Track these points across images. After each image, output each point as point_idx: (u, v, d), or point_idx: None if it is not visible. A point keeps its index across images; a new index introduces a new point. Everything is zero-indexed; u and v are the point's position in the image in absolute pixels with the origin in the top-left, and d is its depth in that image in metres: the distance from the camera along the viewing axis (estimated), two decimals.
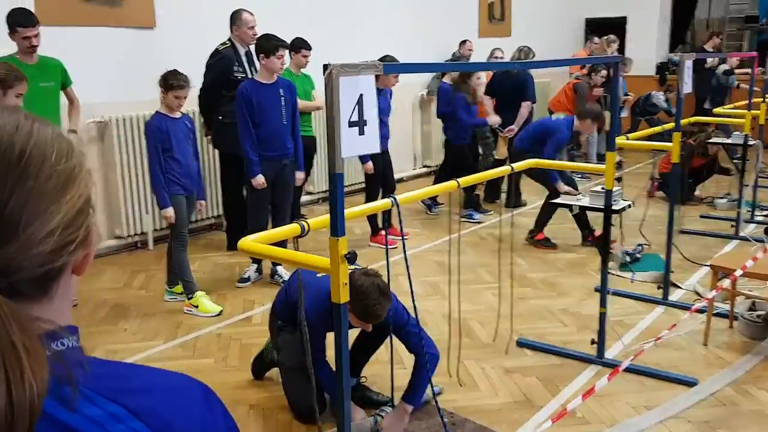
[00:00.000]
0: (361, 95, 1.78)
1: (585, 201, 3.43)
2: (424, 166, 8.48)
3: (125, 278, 4.94)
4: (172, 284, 4.45)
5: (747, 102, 6.25)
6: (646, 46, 11.10)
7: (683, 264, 4.95)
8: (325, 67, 1.71)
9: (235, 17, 5.24)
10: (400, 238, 2.80)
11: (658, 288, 4.33)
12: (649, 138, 5.04)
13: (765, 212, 6.29)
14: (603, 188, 3.31)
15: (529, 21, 10.31)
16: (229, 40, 5.24)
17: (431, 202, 6.62)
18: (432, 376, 2.87)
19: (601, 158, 8.78)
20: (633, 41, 11.16)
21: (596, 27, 11.62)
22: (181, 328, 4.03)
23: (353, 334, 3.21)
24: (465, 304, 4.29)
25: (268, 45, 4.39)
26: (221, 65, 5.15)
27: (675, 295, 4.38)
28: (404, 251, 2.65)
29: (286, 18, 6.29)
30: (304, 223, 2.18)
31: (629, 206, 3.37)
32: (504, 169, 3.27)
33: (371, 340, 3.10)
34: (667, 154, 6.72)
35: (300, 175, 4.72)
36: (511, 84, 6.49)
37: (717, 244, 5.49)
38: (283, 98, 4.51)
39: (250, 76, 5.29)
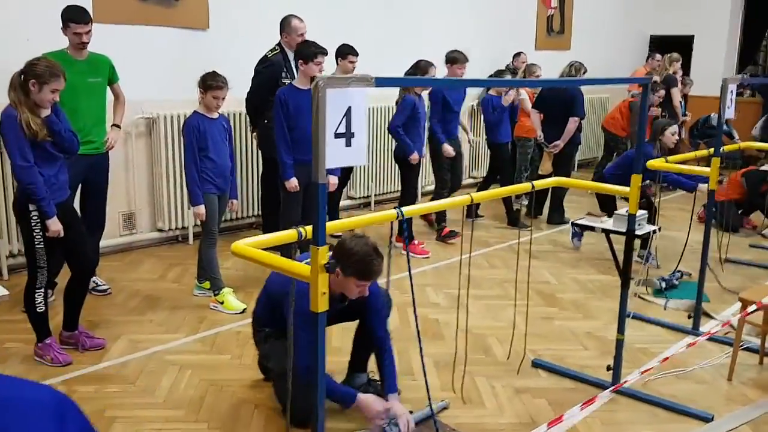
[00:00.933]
0: (350, 108, 1.80)
1: (608, 224, 3.35)
2: (470, 177, 8.43)
3: (161, 270, 5.10)
4: (202, 279, 4.57)
5: None
6: (712, 66, 10.74)
7: (722, 294, 4.77)
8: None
9: (285, 23, 5.33)
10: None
11: (689, 317, 4.18)
12: (698, 161, 4.90)
13: None
14: (627, 211, 3.23)
15: (590, 35, 10.13)
16: (279, 45, 5.34)
17: (473, 212, 6.53)
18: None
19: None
20: (699, 60, 10.83)
21: (661, 44, 11.33)
22: (204, 323, 4.13)
23: (349, 331, 3.24)
24: (486, 320, 4.27)
25: (307, 51, 4.47)
26: (269, 72, 5.23)
27: (706, 326, 4.22)
28: (408, 263, 2.63)
29: (336, 24, 6.38)
30: (302, 229, 2.21)
31: (655, 232, 3.28)
32: (524, 186, 3.23)
33: (368, 333, 3.10)
34: (730, 179, 6.51)
35: (333, 180, 4.77)
36: (560, 99, 6.39)
37: (762, 275, 5.26)
38: None
39: None
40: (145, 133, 5.57)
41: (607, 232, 3.34)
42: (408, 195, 5.71)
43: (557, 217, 6.72)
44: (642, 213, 3.22)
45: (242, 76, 5.65)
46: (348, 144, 1.81)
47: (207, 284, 4.51)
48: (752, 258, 5.72)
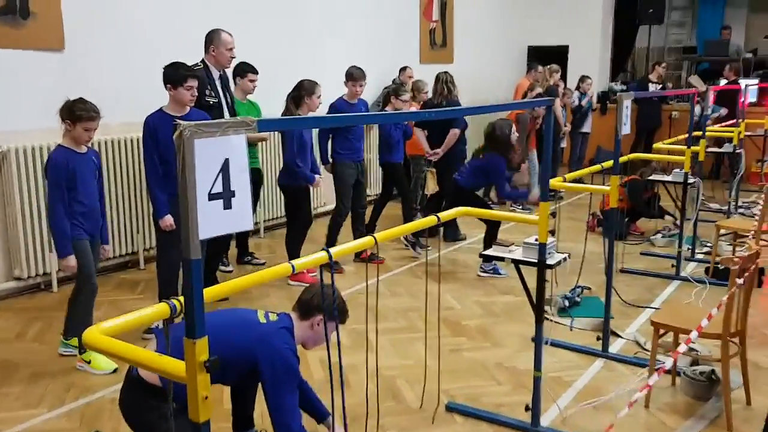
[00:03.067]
0: (227, 160, 1.43)
1: (517, 253, 3.14)
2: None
3: (19, 327, 4.44)
4: (70, 336, 3.99)
5: (686, 137, 6.16)
6: (587, 74, 11.08)
7: (623, 308, 4.74)
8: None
9: (213, 37, 4.84)
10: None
11: (598, 339, 4.07)
12: (591, 174, 4.85)
13: (705, 250, 6.16)
14: (536, 240, 3.03)
15: (471, 47, 10.17)
16: (202, 62, 4.83)
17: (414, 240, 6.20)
18: None
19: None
20: (574, 69, 11.13)
21: (539, 55, 11.59)
22: (71, 391, 3.56)
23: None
24: (394, 358, 3.97)
25: (175, 74, 4.00)
26: None
27: (615, 346, 4.13)
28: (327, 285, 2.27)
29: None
30: (175, 302, 1.80)
31: (565, 259, 3.10)
32: (429, 219, 2.96)
33: (249, 384, 2.81)
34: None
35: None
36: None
37: (658, 285, 5.30)
38: None
39: (224, 101, 4.92)
40: None
41: (516, 263, 3.11)
42: (299, 224, 5.33)
43: (452, 233, 6.57)
44: (552, 240, 3.03)
45: (108, 100, 5.08)
46: (227, 206, 1.43)
47: (75, 341, 3.93)
48: (646, 267, 5.77)
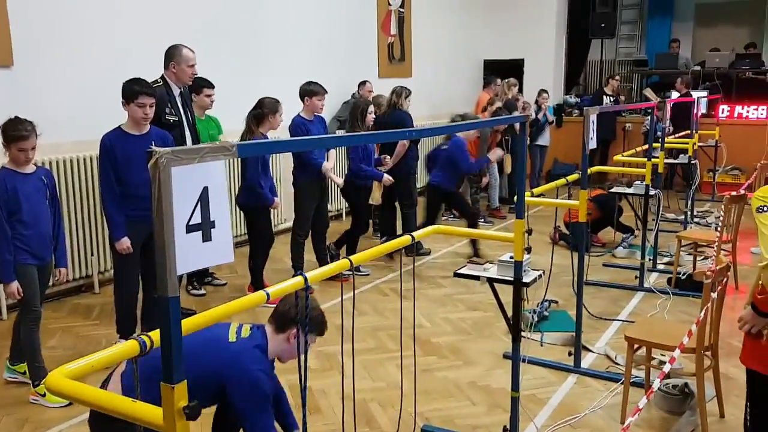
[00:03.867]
0: (206, 188, 1.32)
1: (492, 271, 3.09)
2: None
3: None
4: (15, 362, 3.79)
5: (645, 149, 6.25)
6: (543, 87, 11.23)
7: (591, 321, 4.73)
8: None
9: (174, 53, 4.64)
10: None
11: (570, 354, 4.05)
12: (557, 188, 4.85)
13: (666, 260, 6.24)
14: (512, 257, 2.98)
15: (428, 62, 10.19)
16: (162, 78, 4.63)
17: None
18: None
19: (503, 201, 8.68)
20: (530, 82, 11.26)
21: (495, 68, 11.69)
22: (25, 427, 3.36)
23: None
24: (365, 380, 3.87)
25: (128, 89, 3.86)
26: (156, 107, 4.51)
27: (586, 360, 4.11)
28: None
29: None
30: (144, 338, 1.68)
31: (540, 276, 3.05)
32: (403, 239, 2.88)
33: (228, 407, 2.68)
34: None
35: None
36: (387, 126, 6.19)
37: (623, 297, 5.33)
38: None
39: (185, 119, 4.74)
40: None
41: (491, 282, 3.06)
42: (261, 242, 5.20)
43: (415, 247, 6.51)
44: (527, 257, 2.98)
45: (56, 118, 4.90)
46: (207, 238, 1.33)
47: (22, 367, 3.74)
48: (609, 278, 5.81)
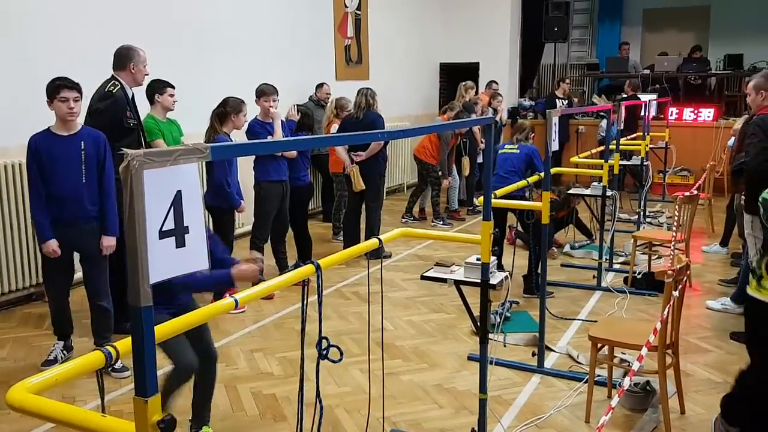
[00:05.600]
0: (179, 192, 1.27)
1: (459, 273, 3.08)
2: None
3: None
4: None
5: (599, 150, 6.36)
6: (499, 92, 11.37)
7: (552, 321, 4.78)
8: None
9: (131, 54, 4.43)
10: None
11: (533, 355, 4.08)
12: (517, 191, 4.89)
13: (621, 259, 6.36)
14: (478, 259, 2.98)
15: (385, 64, 10.18)
16: (117, 80, 4.41)
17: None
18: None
19: (461, 203, 8.72)
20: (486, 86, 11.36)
21: (450, 71, 11.78)
22: None
23: None
24: (330, 386, 3.82)
25: (50, 86, 3.75)
26: (112, 110, 4.31)
27: (549, 360, 4.15)
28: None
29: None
30: (110, 348, 1.61)
31: (506, 278, 3.06)
32: (371, 243, 2.85)
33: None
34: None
35: (107, 242, 3.98)
36: (360, 126, 6.17)
37: (582, 296, 5.40)
38: (84, 152, 3.84)
39: (139, 122, 4.58)
40: None
41: (458, 284, 3.05)
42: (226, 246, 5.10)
43: (375, 250, 6.49)
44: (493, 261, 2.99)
45: None
46: (180, 244, 1.27)
47: None
48: (567, 278, 5.89)
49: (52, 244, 3.83)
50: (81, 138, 3.84)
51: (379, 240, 2.86)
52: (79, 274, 4.29)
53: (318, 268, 2.43)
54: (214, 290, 2.73)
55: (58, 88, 3.72)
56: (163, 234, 1.24)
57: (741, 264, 5.16)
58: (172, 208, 1.26)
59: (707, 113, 10.31)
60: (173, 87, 5.09)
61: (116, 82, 4.38)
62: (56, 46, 5.31)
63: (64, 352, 4.14)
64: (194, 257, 1.30)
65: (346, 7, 9.25)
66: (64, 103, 3.72)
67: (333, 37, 9.09)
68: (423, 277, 3.11)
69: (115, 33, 5.43)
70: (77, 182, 3.81)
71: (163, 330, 1.63)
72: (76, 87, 3.79)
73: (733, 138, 6.25)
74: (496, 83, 10.20)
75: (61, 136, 3.81)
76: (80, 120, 3.97)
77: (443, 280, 3.07)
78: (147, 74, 4.60)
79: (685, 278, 3.25)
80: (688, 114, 10.42)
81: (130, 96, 4.50)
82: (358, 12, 9.51)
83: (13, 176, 5.01)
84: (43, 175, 3.78)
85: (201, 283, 2.84)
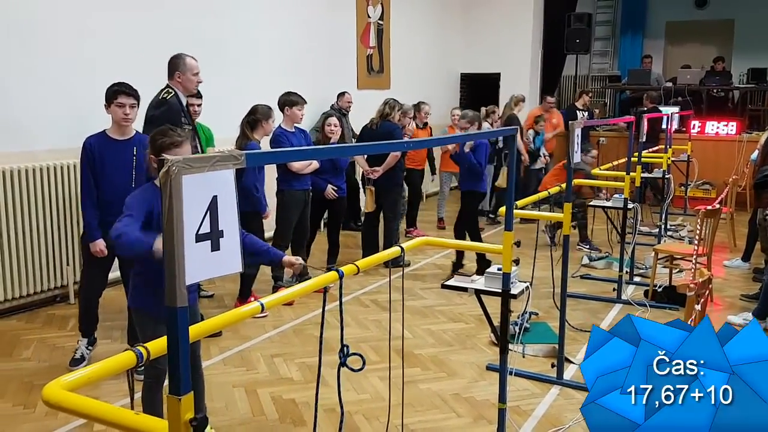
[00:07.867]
0: (215, 197, 1.31)
1: (480, 283, 3.10)
2: None
3: None
4: None
5: (622, 163, 6.34)
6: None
7: (572, 333, 4.77)
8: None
9: (178, 63, 4.52)
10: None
11: (552, 366, 4.07)
12: (540, 201, 4.91)
13: (641, 272, 6.32)
14: (500, 269, 3.00)
15: (406, 74, 10.24)
16: (171, 88, 4.50)
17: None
18: None
19: (481, 213, 8.70)
20: (506, 96, 11.35)
21: (471, 82, 11.80)
22: None
23: None
24: (350, 393, 3.84)
25: (108, 91, 3.87)
26: (167, 116, 4.29)
27: (568, 372, 4.14)
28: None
29: (156, 69, 5.70)
30: (141, 348, 1.65)
31: (527, 288, 3.08)
32: (393, 251, 2.88)
33: None
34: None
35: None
36: (377, 136, 6.20)
37: (602, 309, 5.39)
38: (135, 158, 3.92)
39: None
40: None
41: (479, 293, 3.07)
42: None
43: (394, 259, 6.52)
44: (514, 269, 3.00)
45: (29, 126, 4.84)
46: (216, 247, 1.31)
47: None
48: (586, 290, 5.87)
49: (100, 244, 3.90)
50: (134, 144, 3.95)
51: (401, 248, 2.88)
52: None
53: (341, 275, 2.46)
54: (265, 261, 3.17)
55: (116, 93, 3.84)
56: (199, 237, 1.28)
57: (763, 279, 5.12)
58: (209, 213, 1.30)
59: (730, 127, 10.24)
60: (200, 96, 5.14)
61: (170, 90, 4.47)
62: (84, 52, 5.42)
63: (89, 348, 4.21)
64: (228, 260, 1.34)
65: (369, 17, 9.33)
66: (121, 108, 3.84)
67: (356, 47, 9.16)
68: (444, 286, 3.13)
69: (144, 40, 5.54)
70: (127, 186, 3.88)
71: (197, 330, 1.67)
72: (133, 94, 3.92)
73: (756, 152, 6.21)
74: (552, 97, 10.17)
75: (115, 140, 3.91)
76: (137, 127, 4.09)
77: (464, 289, 3.09)
78: (199, 81, 4.63)
79: (707, 292, 3.24)
80: (710, 127, 10.35)
81: (184, 103, 4.57)
82: (381, 22, 9.58)
83: (34, 180, 5.09)
84: (95, 177, 3.88)
85: (260, 250, 3.09)
